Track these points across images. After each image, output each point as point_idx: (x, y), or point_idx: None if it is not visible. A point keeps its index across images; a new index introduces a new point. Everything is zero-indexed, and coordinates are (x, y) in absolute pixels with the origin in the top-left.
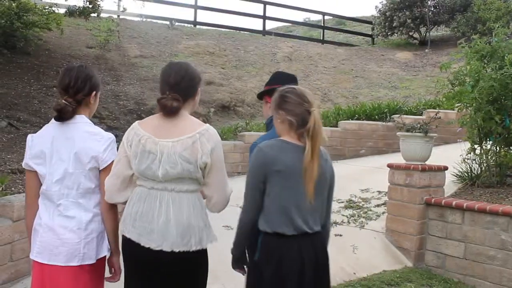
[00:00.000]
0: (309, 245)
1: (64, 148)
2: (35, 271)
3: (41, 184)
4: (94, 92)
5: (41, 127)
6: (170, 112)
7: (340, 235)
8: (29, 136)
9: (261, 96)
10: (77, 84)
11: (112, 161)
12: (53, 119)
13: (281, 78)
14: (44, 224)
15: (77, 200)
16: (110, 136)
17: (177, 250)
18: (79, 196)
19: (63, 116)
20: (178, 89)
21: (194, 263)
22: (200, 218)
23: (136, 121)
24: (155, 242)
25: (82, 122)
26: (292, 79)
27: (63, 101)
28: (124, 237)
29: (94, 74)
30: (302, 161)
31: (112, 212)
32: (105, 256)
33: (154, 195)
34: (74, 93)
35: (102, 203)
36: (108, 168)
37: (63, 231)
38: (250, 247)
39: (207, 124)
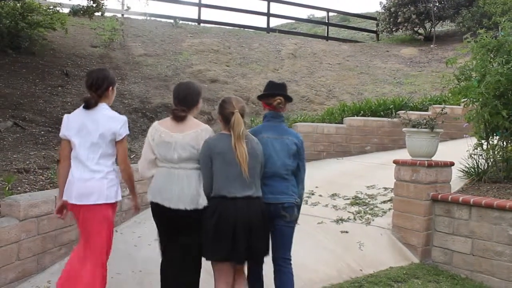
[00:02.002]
0: (244, 207)
1: (91, 126)
2: (73, 211)
3: (71, 150)
4: (111, 87)
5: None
6: (179, 119)
7: (347, 232)
8: (65, 116)
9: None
10: (97, 83)
11: (125, 135)
12: (82, 107)
13: (272, 87)
14: (77, 178)
15: (98, 161)
16: (123, 117)
17: (189, 208)
18: (100, 158)
19: (88, 106)
20: (185, 102)
21: (199, 215)
22: (202, 187)
23: (156, 121)
24: (174, 204)
25: (103, 108)
26: (281, 87)
27: (89, 95)
28: (152, 202)
29: (109, 74)
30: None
31: (124, 169)
32: (118, 201)
33: (172, 173)
34: (95, 89)
35: (119, 164)
36: (122, 140)
37: (91, 181)
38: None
39: (205, 124)
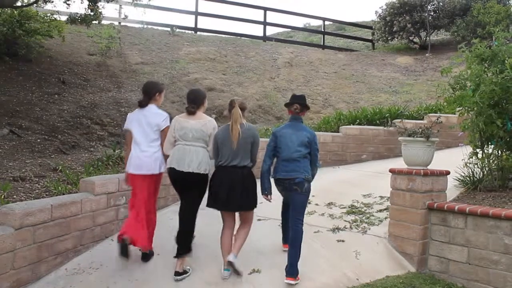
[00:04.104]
0: (237, 172)
1: (143, 120)
2: (130, 179)
3: (132, 137)
4: (158, 93)
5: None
6: (191, 113)
7: (343, 241)
8: (128, 114)
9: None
10: (148, 90)
11: (167, 126)
12: (138, 107)
13: (292, 97)
14: (134, 155)
15: (149, 144)
16: (166, 114)
17: (194, 172)
18: (149, 142)
19: (141, 105)
20: (194, 102)
21: (205, 178)
22: (206, 159)
23: (176, 115)
24: (185, 168)
25: (152, 108)
26: (298, 98)
27: (141, 99)
28: (169, 168)
29: (157, 84)
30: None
31: (165, 152)
32: (162, 173)
33: (185, 148)
34: (147, 94)
35: (162, 145)
36: (164, 130)
37: (143, 158)
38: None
39: (210, 117)
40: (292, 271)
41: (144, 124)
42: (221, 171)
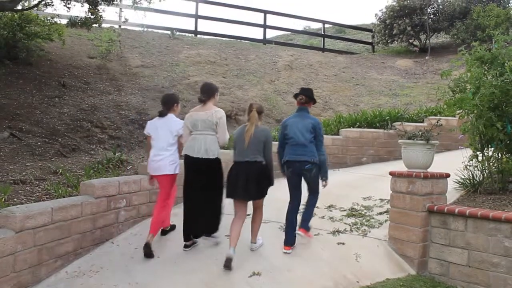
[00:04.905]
0: (250, 166)
1: (164, 127)
2: (154, 179)
3: (150, 142)
4: (175, 104)
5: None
6: (202, 102)
7: (343, 244)
8: (148, 122)
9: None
10: (166, 102)
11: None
12: (157, 116)
13: (300, 90)
14: (152, 159)
15: (166, 147)
16: (182, 122)
17: (203, 157)
18: (167, 146)
19: (161, 115)
20: (205, 93)
21: (214, 163)
22: (215, 146)
23: (190, 109)
24: (196, 155)
25: (170, 117)
26: (304, 90)
27: (161, 109)
28: (185, 154)
29: (174, 96)
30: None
31: (179, 148)
32: (177, 174)
33: (196, 137)
34: (166, 105)
35: (179, 148)
36: (180, 136)
37: (161, 161)
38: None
39: (219, 108)
40: (303, 225)
41: (165, 130)
42: (236, 165)
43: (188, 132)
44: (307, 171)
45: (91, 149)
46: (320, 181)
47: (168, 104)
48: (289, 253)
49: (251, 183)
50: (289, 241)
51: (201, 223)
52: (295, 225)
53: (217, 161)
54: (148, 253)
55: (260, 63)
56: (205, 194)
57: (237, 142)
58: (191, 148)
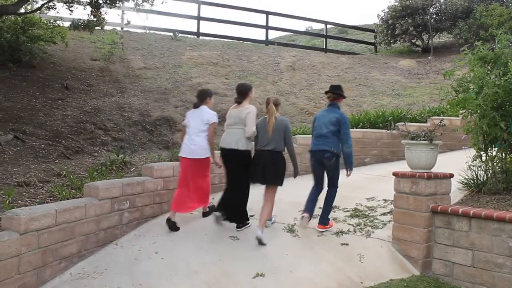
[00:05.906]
0: (266, 154)
1: (197, 116)
2: (182, 163)
3: (185, 130)
4: (208, 97)
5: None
6: (238, 103)
7: (347, 244)
8: (187, 113)
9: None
10: (201, 95)
11: (213, 122)
12: (192, 108)
13: (329, 88)
14: (185, 143)
15: (197, 134)
16: (214, 113)
17: (234, 148)
18: (198, 132)
19: (196, 107)
20: (240, 93)
21: (243, 154)
22: (243, 138)
23: (231, 107)
24: (228, 146)
25: (203, 108)
26: (332, 88)
27: (196, 101)
28: (221, 147)
29: (207, 90)
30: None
31: (210, 139)
32: (208, 157)
33: (229, 131)
34: (199, 98)
35: (209, 136)
36: (211, 124)
37: (192, 146)
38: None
39: (251, 105)
40: (320, 220)
41: (197, 119)
42: (259, 153)
43: (227, 125)
44: (326, 159)
45: (95, 151)
46: (345, 171)
47: (201, 97)
48: (305, 217)
49: (269, 169)
50: (307, 209)
51: (230, 208)
52: (314, 199)
53: (246, 153)
54: (171, 225)
55: (262, 64)
56: (234, 182)
57: (260, 132)
58: (224, 140)
